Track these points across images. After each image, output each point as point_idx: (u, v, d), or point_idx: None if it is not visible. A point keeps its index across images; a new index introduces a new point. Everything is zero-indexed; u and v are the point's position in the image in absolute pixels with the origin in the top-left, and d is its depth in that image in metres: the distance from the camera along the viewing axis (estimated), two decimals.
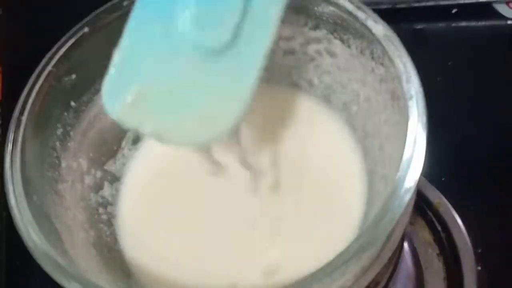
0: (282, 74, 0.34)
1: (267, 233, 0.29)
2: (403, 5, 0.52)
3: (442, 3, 0.52)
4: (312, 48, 0.32)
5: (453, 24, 0.52)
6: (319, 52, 0.31)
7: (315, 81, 0.33)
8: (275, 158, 0.32)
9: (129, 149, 0.34)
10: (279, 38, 0.31)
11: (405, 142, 0.23)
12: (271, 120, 0.33)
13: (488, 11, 0.53)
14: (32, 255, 0.23)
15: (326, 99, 0.33)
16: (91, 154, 0.31)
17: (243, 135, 0.27)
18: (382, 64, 0.27)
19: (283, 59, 0.33)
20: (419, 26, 0.53)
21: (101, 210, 0.31)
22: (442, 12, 0.53)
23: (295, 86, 0.34)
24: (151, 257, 0.30)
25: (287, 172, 0.32)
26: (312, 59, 0.32)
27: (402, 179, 0.23)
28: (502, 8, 0.52)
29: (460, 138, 0.45)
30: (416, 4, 0.52)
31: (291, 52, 0.32)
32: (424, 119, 0.24)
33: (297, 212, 0.29)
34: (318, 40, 0.31)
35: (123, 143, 0.33)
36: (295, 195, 0.31)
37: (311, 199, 0.31)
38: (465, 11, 0.52)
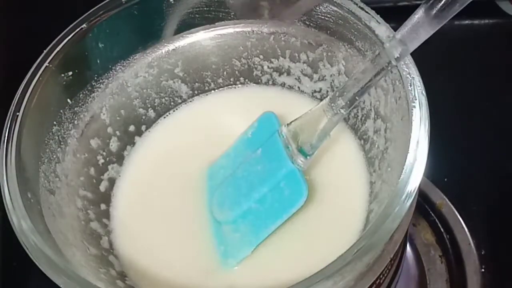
0: None
1: (271, 236, 0.29)
2: (404, 3, 0.52)
3: None
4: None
5: (456, 22, 0.52)
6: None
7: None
8: None
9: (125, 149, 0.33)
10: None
11: (407, 145, 0.23)
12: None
13: (491, 8, 0.52)
14: (27, 253, 0.23)
15: None
16: (86, 153, 0.31)
17: None
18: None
19: None
20: None
21: (96, 209, 0.31)
22: None
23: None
24: (146, 257, 0.30)
25: None
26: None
27: (404, 183, 0.22)
28: (505, 6, 0.52)
29: (463, 138, 0.45)
30: (418, 2, 0.52)
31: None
32: (427, 122, 0.24)
33: (301, 216, 0.29)
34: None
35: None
36: None
37: (315, 202, 0.30)
38: (468, 9, 0.52)
